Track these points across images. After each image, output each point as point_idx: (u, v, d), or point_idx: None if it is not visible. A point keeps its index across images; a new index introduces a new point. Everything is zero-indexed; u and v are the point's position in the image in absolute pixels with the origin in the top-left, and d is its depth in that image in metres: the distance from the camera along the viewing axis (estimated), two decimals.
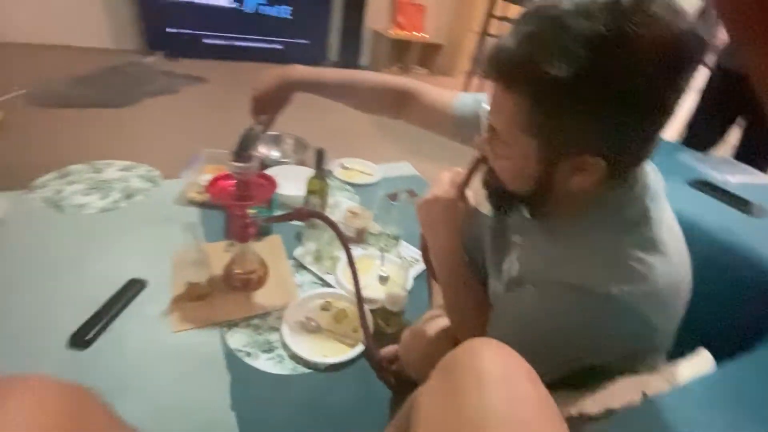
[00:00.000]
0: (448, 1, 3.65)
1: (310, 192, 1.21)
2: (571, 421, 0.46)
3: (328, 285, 1.11)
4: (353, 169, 1.74)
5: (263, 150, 1.61)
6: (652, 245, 0.45)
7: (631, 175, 0.48)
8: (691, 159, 1.10)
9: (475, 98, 0.72)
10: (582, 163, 0.44)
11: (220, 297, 1.00)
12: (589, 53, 0.37)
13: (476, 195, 0.64)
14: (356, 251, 1.15)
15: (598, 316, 0.46)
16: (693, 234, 0.70)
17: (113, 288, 0.96)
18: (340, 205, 1.40)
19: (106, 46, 2.73)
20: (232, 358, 0.87)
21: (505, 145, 0.48)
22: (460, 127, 0.73)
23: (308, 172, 1.24)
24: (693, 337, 0.60)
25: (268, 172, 0.95)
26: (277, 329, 0.95)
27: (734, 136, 1.57)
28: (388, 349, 0.87)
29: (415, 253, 1.27)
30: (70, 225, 1.16)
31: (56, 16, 2.54)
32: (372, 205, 1.33)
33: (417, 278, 1.18)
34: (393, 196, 1.43)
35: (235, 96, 2.29)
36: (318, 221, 1.10)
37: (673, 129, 1.99)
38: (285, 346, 0.91)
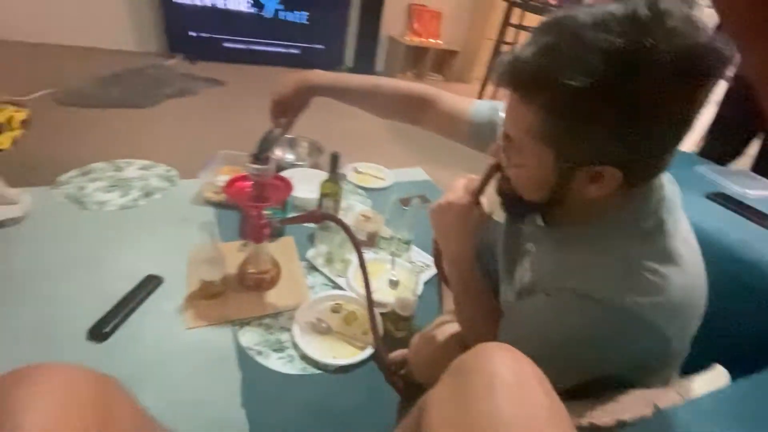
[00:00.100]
0: (465, 9, 3.67)
1: (324, 195, 1.22)
2: (581, 431, 0.46)
3: (339, 287, 1.12)
4: (366, 173, 1.75)
5: (278, 152, 1.64)
6: (667, 257, 0.45)
7: (647, 186, 0.48)
8: (709, 171, 1.08)
9: (491, 106, 0.73)
10: (598, 173, 0.44)
11: (234, 296, 1.02)
12: (607, 66, 0.37)
13: (490, 202, 0.64)
14: (367, 255, 1.16)
15: (610, 326, 0.46)
16: (710, 247, 0.69)
17: (131, 283, 0.98)
18: (353, 208, 1.41)
19: (130, 49, 2.81)
20: (243, 356, 0.88)
21: (520, 154, 0.49)
22: (476, 134, 0.73)
23: (322, 175, 1.25)
24: (708, 352, 0.59)
25: (283, 174, 0.97)
26: (288, 329, 0.96)
27: (753, 148, 1.54)
28: (398, 354, 0.88)
29: (426, 258, 1.28)
30: (91, 221, 1.20)
31: (82, 19, 2.62)
32: (384, 209, 1.34)
33: (427, 283, 1.18)
34: (405, 201, 1.43)
35: (252, 99, 2.35)
36: (330, 224, 1.11)
37: (692, 140, 1.96)
38: (295, 346, 0.92)
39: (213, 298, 1.00)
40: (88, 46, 2.69)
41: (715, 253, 0.69)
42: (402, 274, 1.16)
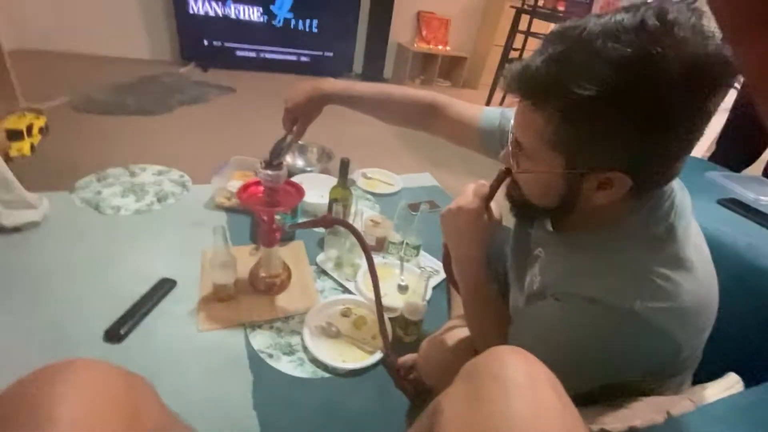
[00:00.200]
0: (473, 15, 3.69)
1: (334, 200, 1.24)
2: None
3: (349, 291, 1.13)
4: (375, 178, 1.76)
5: (289, 158, 1.66)
6: (678, 263, 0.45)
7: (657, 193, 0.48)
8: (721, 177, 1.07)
9: (500, 112, 0.73)
10: (607, 180, 0.45)
11: (245, 299, 1.04)
12: (617, 74, 0.38)
13: (500, 207, 0.65)
14: (376, 260, 1.16)
15: (620, 331, 0.46)
16: (722, 254, 0.68)
17: (145, 286, 1.01)
18: (362, 213, 1.42)
19: (145, 57, 2.89)
20: (255, 359, 0.90)
21: (530, 160, 0.50)
22: (486, 140, 0.74)
23: (332, 180, 1.27)
24: (722, 359, 0.58)
25: (294, 180, 0.99)
26: (298, 333, 0.97)
27: (766, 153, 1.52)
28: (407, 358, 0.88)
29: (435, 263, 1.28)
30: (106, 225, 1.22)
31: (99, 29, 2.70)
32: (393, 214, 1.35)
33: (436, 288, 1.18)
34: (414, 207, 1.44)
35: (263, 105, 2.39)
36: (340, 229, 1.13)
37: (703, 146, 1.94)
38: (306, 350, 0.93)
39: (225, 301, 1.02)
40: (105, 55, 2.76)
41: (727, 259, 0.69)
42: (411, 279, 1.17)
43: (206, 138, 1.92)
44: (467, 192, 0.64)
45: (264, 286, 1.06)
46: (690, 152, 0.44)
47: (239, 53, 2.96)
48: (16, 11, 2.46)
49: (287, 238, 1.27)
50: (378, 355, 0.93)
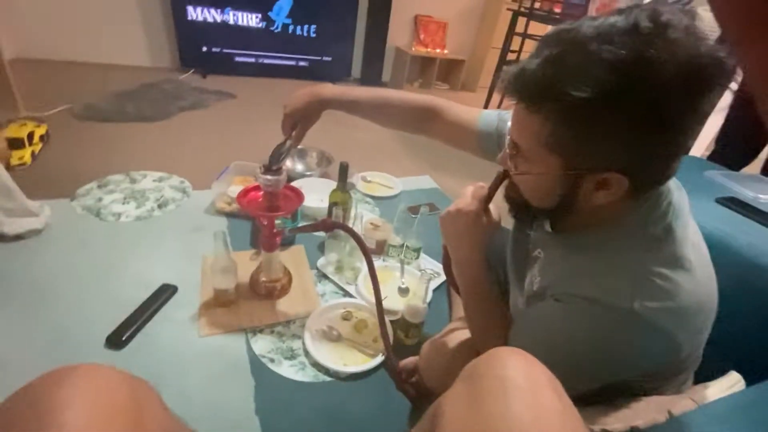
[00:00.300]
0: (470, 18, 3.71)
1: (333, 204, 1.24)
2: None
3: (349, 295, 1.13)
4: (374, 182, 1.77)
5: (288, 163, 1.67)
6: (676, 262, 0.46)
7: (654, 193, 0.49)
8: (719, 176, 1.07)
9: (498, 115, 0.74)
10: (605, 180, 0.45)
11: (246, 304, 1.04)
12: (611, 76, 0.38)
13: (499, 209, 0.65)
14: (377, 263, 1.17)
15: (620, 331, 0.46)
16: (723, 252, 0.69)
17: (147, 292, 1.01)
18: (362, 217, 1.42)
19: (144, 65, 2.90)
20: (256, 364, 0.90)
21: (527, 162, 0.50)
22: (484, 143, 0.75)
23: (331, 184, 1.27)
24: (723, 358, 0.58)
25: (293, 184, 0.99)
26: (299, 337, 0.97)
27: (765, 152, 1.53)
28: (408, 361, 0.88)
29: (435, 265, 1.28)
30: (108, 232, 1.23)
31: (99, 37, 2.72)
32: (392, 217, 1.36)
33: (437, 290, 1.18)
34: (413, 209, 1.45)
35: (263, 111, 2.40)
36: (340, 232, 1.13)
37: (702, 145, 1.95)
38: (307, 354, 0.93)
39: (226, 306, 1.02)
40: (105, 62, 2.78)
41: (727, 258, 0.69)
42: (411, 282, 1.17)
43: (206, 144, 1.93)
44: (466, 194, 0.64)
45: (265, 290, 1.06)
46: (686, 152, 0.45)
47: (238, 59, 2.98)
48: (16, 20, 2.48)
49: (287, 242, 1.27)
50: (379, 359, 0.93)
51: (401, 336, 1.00)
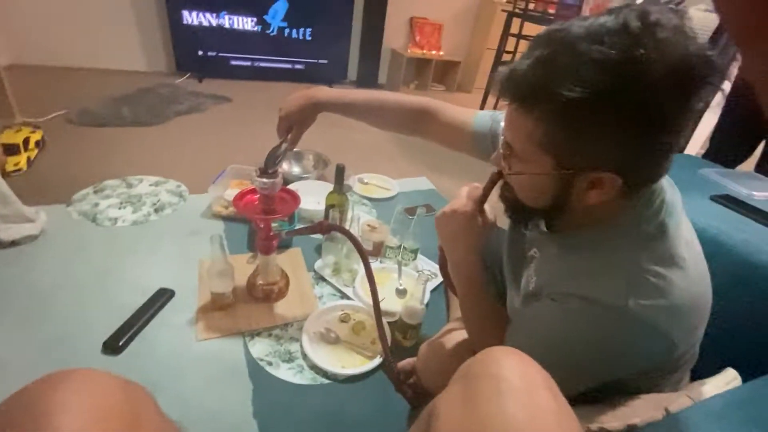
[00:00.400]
0: (465, 20, 3.73)
1: (330, 206, 1.24)
2: None
3: (347, 297, 1.13)
4: (371, 183, 1.77)
5: (285, 166, 1.67)
6: (670, 260, 0.46)
7: (648, 191, 0.49)
8: (714, 173, 1.08)
9: (492, 116, 0.74)
10: (597, 179, 0.45)
11: (243, 307, 1.03)
12: (602, 76, 0.39)
13: (494, 209, 0.66)
14: (374, 264, 1.17)
15: (615, 330, 0.47)
16: (718, 250, 0.69)
17: (143, 297, 1.01)
18: (358, 219, 1.42)
19: (140, 69, 2.90)
20: (254, 367, 0.89)
21: (521, 162, 0.50)
22: (478, 143, 0.75)
23: (328, 187, 1.28)
24: (719, 355, 0.59)
25: (290, 187, 0.99)
26: (297, 339, 0.97)
27: (758, 149, 1.54)
28: (406, 362, 0.88)
29: (433, 266, 1.28)
30: (104, 237, 1.22)
31: (94, 42, 2.71)
32: (389, 219, 1.36)
33: (434, 291, 1.18)
34: (410, 211, 1.45)
35: (259, 114, 2.40)
36: (337, 234, 1.13)
37: (697, 144, 1.96)
38: (305, 357, 0.93)
39: (223, 310, 1.01)
40: (100, 67, 2.77)
41: (722, 255, 0.69)
42: (409, 283, 1.17)
43: (202, 148, 1.92)
44: (461, 195, 0.64)
45: (262, 293, 1.06)
46: (679, 150, 0.45)
47: (234, 63, 2.97)
48: (11, 26, 2.47)
49: (284, 245, 1.27)
50: (377, 360, 0.93)
51: (399, 337, 1.00)
